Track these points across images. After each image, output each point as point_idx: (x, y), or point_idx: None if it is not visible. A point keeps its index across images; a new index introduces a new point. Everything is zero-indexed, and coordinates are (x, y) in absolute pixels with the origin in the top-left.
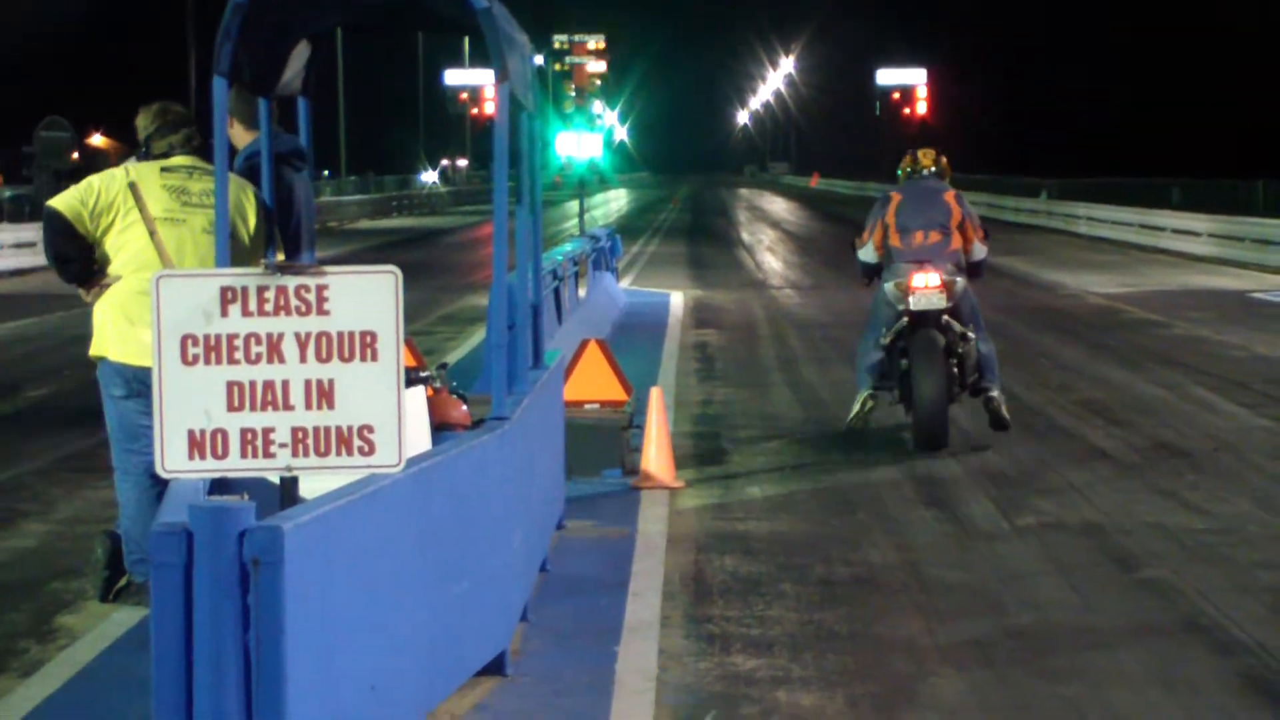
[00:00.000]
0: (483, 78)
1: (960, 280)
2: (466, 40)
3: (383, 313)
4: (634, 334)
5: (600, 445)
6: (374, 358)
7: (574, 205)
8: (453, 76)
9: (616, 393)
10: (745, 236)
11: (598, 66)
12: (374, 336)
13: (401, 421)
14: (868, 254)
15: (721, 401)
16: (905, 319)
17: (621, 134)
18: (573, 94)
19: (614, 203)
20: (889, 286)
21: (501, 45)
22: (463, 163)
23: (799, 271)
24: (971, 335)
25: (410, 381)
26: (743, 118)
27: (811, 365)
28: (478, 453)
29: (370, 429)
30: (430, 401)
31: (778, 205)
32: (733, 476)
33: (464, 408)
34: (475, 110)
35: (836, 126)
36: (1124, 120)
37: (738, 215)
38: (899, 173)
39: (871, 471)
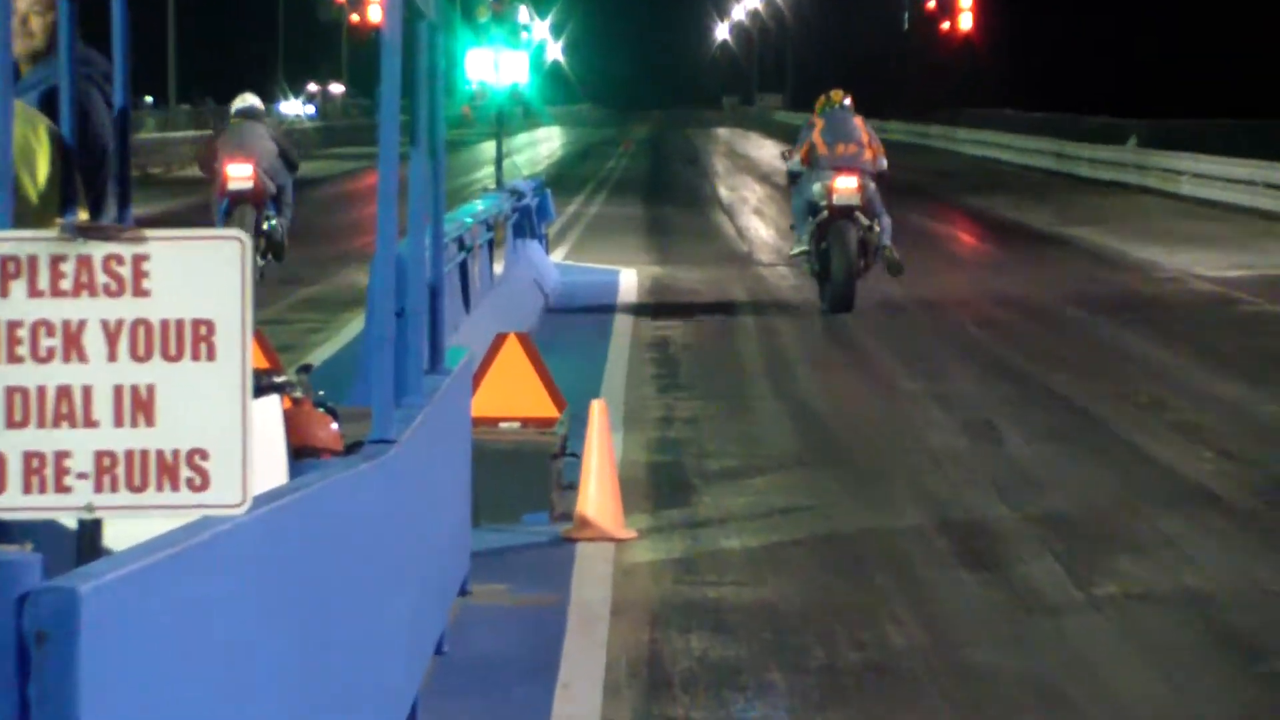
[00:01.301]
0: None
1: (871, 185)
2: None
3: (223, 295)
4: (569, 326)
5: (521, 480)
6: (210, 356)
7: (489, 148)
8: None
9: (544, 407)
10: (723, 193)
11: None
12: (210, 327)
13: (247, 444)
14: (795, 165)
15: (687, 420)
16: (826, 211)
17: (556, 52)
18: None
19: (544, 145)
20: (816, 187)
21: None
22: (337, 89)
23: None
24: (876, 228)
25: (260, 389)
26: (722, 32)
27: (809, 370)
28: (351, 488)
29: (203, 454)
30: (288, 417)
31: (767, 151)
32: (701, 524)
33: (334, 426)
34: (355, 18)
35: (849, 47)
36: (1238, 45)
37: (714, 164)
38: (815, 107)
39: (890, 515)
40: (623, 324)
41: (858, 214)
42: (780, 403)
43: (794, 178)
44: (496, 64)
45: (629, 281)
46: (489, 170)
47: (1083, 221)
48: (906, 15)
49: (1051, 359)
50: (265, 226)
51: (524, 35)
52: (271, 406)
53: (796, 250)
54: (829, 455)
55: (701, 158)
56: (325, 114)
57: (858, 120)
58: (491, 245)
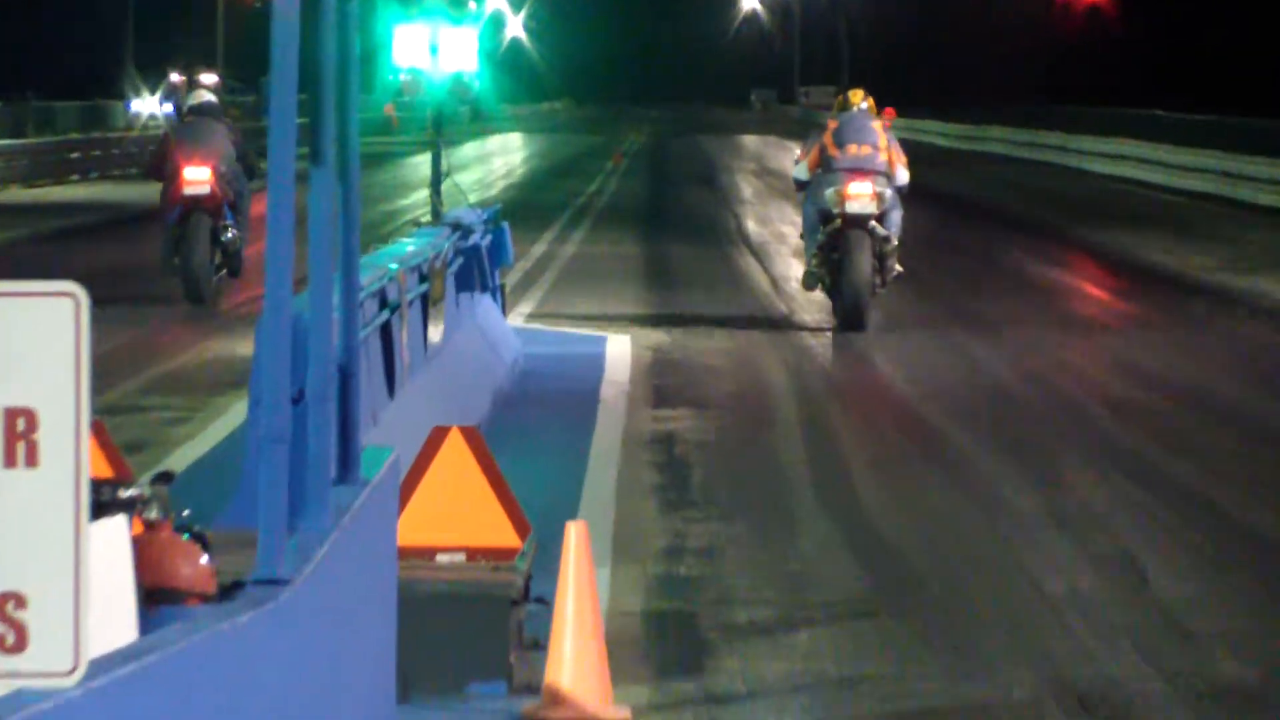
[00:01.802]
0: None
1: (889, 192)
2: None
3: (49, 375)
4: (536, 416)
5: (468, 635)
6: (30, 461)
7: (423, 164)
8: None
9: (500, 533)
10: (751, 227)
11: None
12: (31, 420)
13: (82, 587)
14: (801, 171)
15: (702, 549)
16: (839, 220)
17: (517, 28)
18: None
19: (500, 159)
20: (828, 192)
21: None
22: (209, 80)
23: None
24: (893, 241)
25: (101, 507)
26: (750, 1)
27: (873, 476)
28: (227, 647)
29: (19, 601)
30: (139, 547)
31: None
32: (722, 699)
33: (203, 559)
34: None
35: (926, 27)
36: None
37: (738, 185)
38: (836, 116)
39: (991, 686)
40: (611, 413)
41: (873, 224)
42: (834, 524)
43: (802, 185)
44: (434, 45)
45: (620, 353)
46: (422, 195)
47: (1262, 268)
48: None
49: (1216, 464)
50: (223, 238)
51: (471, 6)
52: (117, 531)
53: (808, 268)
54: (903, 600)
55: (721, 176)
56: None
57: (876, 124)
58: (426, 302)
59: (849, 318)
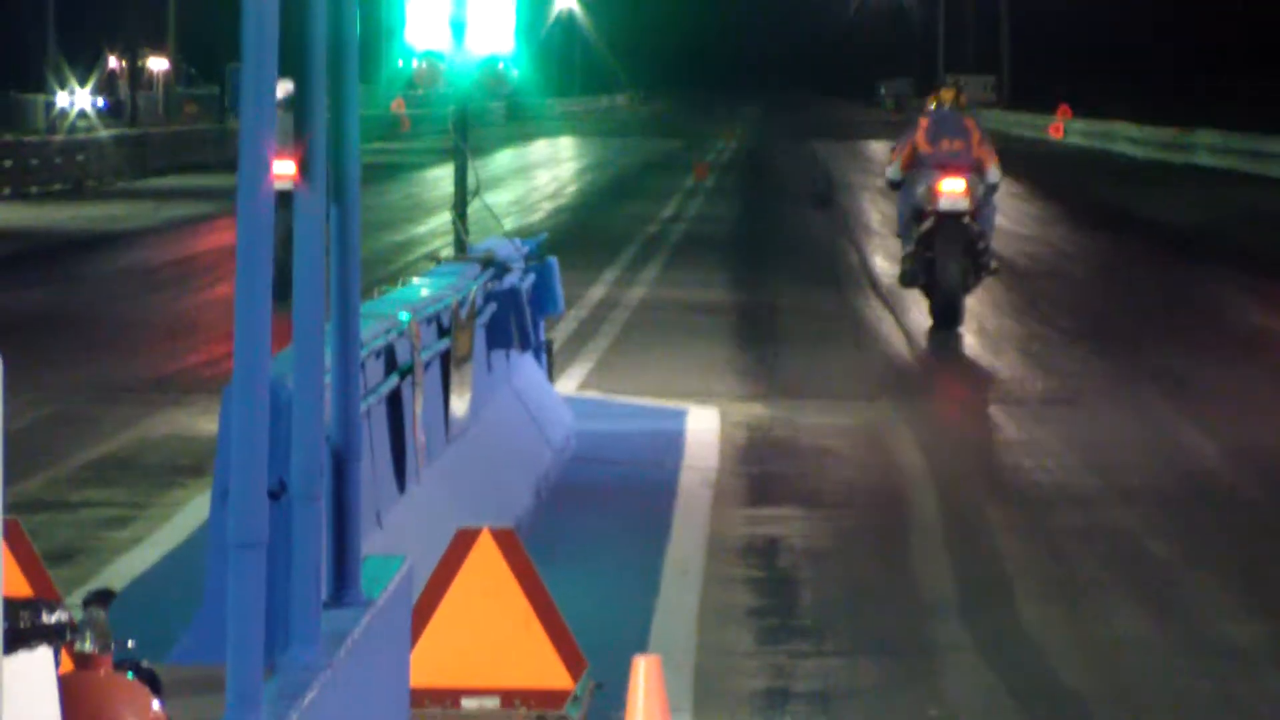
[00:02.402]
0: None
1: (982, 187)
2: None
3: None
4: (593, 514)
5: None
6: None
7: (443, 177)
8: None
9: (545, 669)
10: (880, 263)
11: None
12: None
13: None
14: (894, 171)
15: (813, 696)
16: (933, 217)
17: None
18: None
19: (545, 172)
20: (921, 189)
21: None
22: (158, 65)
23: (1024, 357)
24: (988, 238)
25: (18, 635)
26: None
27: (1044, 603)
28: None
29: None
30: (69, 687)
31: None
32: None
33: (154, 705)
34: None
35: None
36: None
37: (863, 208)
38: (927, 114)
39: None
40: (692, 511)
41: (966, 220)
42: (989, 663)
43: (896, 185)
44: (458, 21)
45: (704, 431)
46: (442, 221)
47: None
48: None
49: None
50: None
51: None
52: (39, 668)
53: (903, 267)
54: None
55: (840, 196)
56: (135, 113)
57: (969, 121)
58: (448, 363)
59: (944, 315)
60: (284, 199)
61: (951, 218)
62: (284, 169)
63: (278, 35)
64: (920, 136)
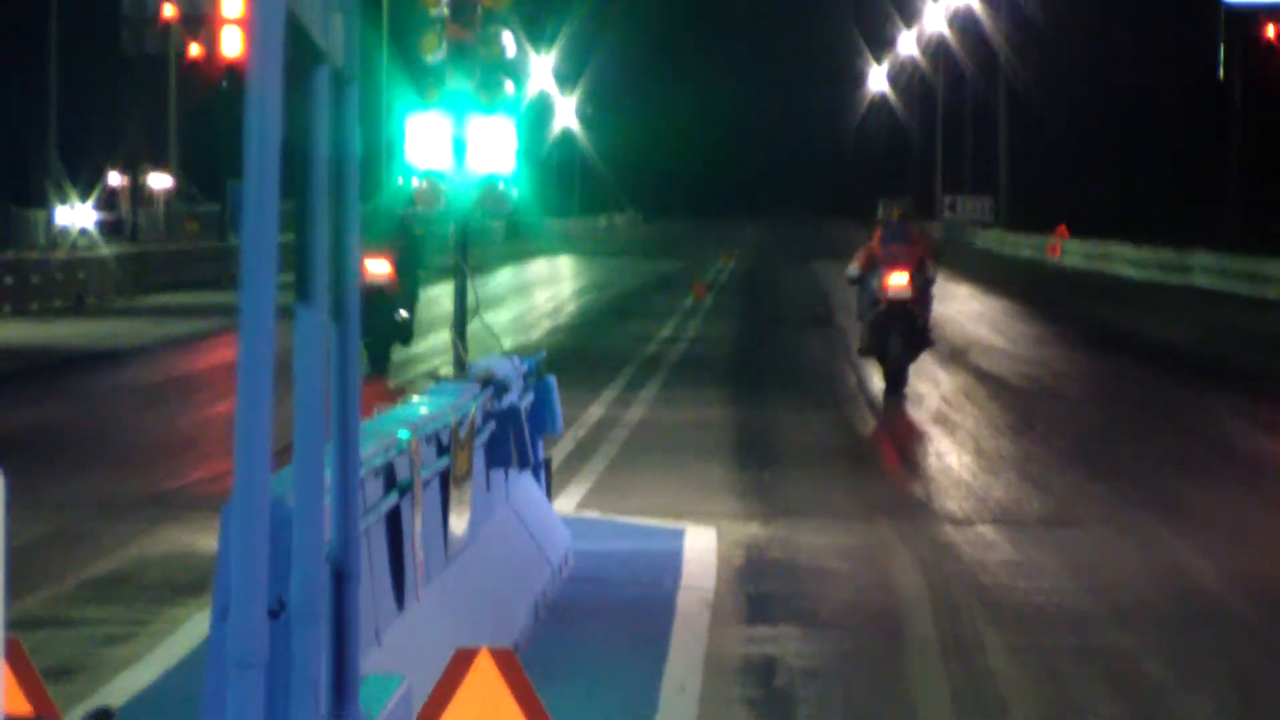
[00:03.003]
0: None
1: (921, 279)
2: None
3: None
4: (591, 633)
5: None
6: None
7: (442, 296)
8: None
9: None
10: (878, 384)
11: None
12: None
13: None
14: (853, 270)
15: None
16: (884, 304)
17: (567, 116)
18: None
19: (544, 291)
20: (874, 284)
21: None
22: (159, 182)
23: (1021, 478)
24: (927, 320)
25: None
26: (877, 81)
27: None
28: None
29: None
30: None
31: (970, 308)
32: None
33: None
34: (194, 48)
35: (1112, 118)
36: None
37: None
38: (877, 219)
39: None
40: (690, 630)
41: (909, 305)
42: None
43: (853, 281)
44: (459, 141)
45: (702, 550)
46: (442, 339)
47: None
48: (1222, 50)
49: None
50: (397, 318)
51: (507, 88)
52: None
53: (861, 343)
54: None
55: (839, 316)
56: (136, 230)
57: (913, 230)
58: (447, 481)
59: (892, 380)
60: (377, 294)
61: (897, 304)
62: (378, 268)
63: (280, 153)
64: (875, 243)
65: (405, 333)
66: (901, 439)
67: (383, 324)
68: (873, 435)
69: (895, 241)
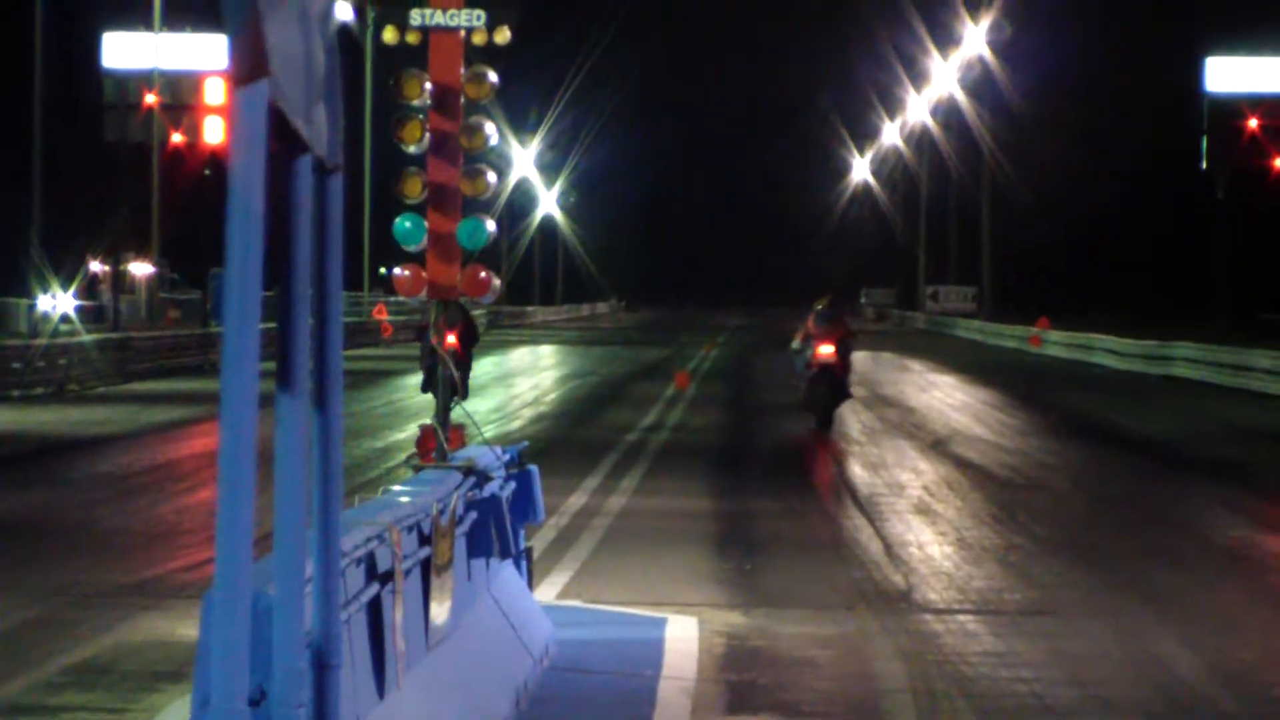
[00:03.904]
0: (198, 54)
1: (844, 349)
2: None
3: None
4: None
5: None
6: None
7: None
8: (120, 48)
9: None
10: (859, 473)
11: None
12: None
13: None
14: (796, 344)
15: None
16: (816, 367)
17: (548, 203)
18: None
19: (525, 379)
20: (808, 352)
21: None
22: (141, 269)
23: (1003, 568)
24: (847, 378)
25: None
26: (860, 171)
27: None
28: None
29: None
30: None
31: (953, 398)
32: None
33: None
34: (178, 135)
35: (1096, 208)
36: None
37: (842, 417)
38: (813, 312)
39: None
40: None
41: (833, 369)
42: None
43: (796, 352)
44: (442, 230)
45: (684, 639)
46: (417, 429)
47: None
48: (1205, 138)
49: None
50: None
51: (488, 183)
52: None
53: (797, 397)
54: None
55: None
56: (117, 317)
57: (841, 314)
58: (428, 570)
59: (821, 423)
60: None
61: (826, 367)
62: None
63: (263, 240)
64: (810, 323)
65: (463, 388)
66: (882, 528)
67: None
68: (853, 524)
69: (824, 323)
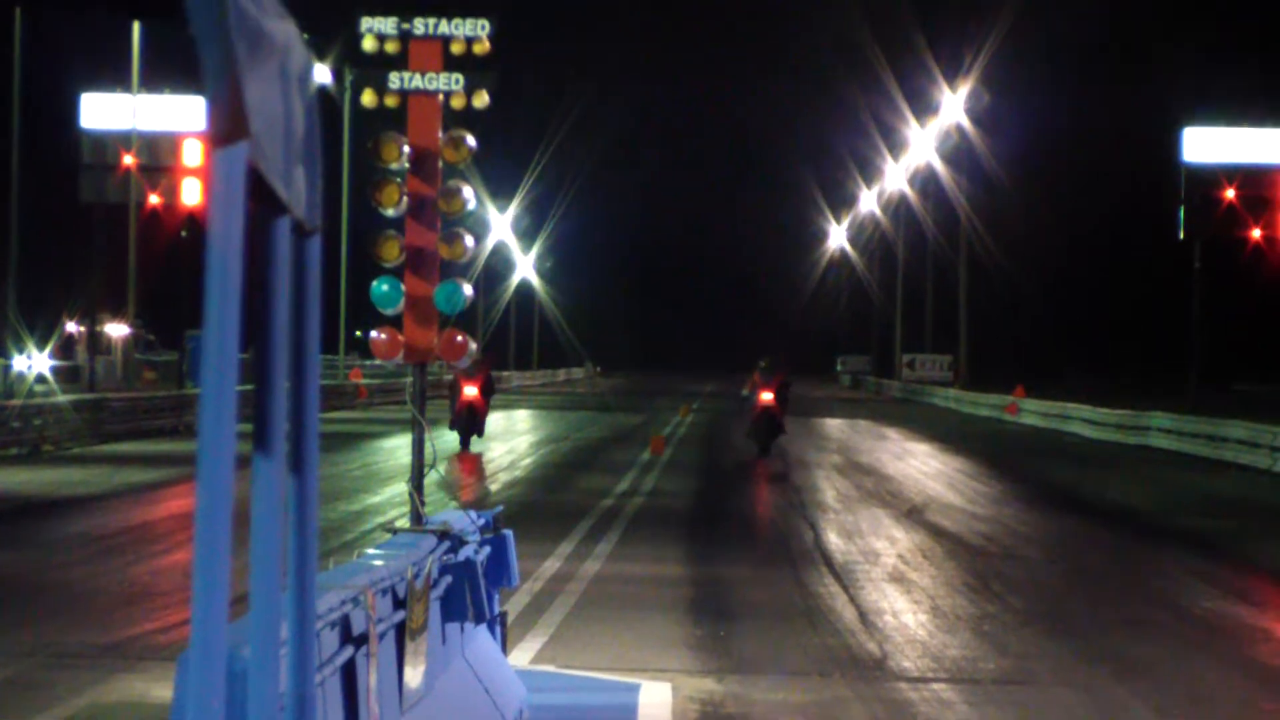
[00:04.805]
0: (176, 115)
1: (781, 396)
2: (136, 27)
3: None
4: None
5: None
6: None
7: (399, 448)
8: (98, 109)
9: None
10: (834, 540)
11: (480, 98)
12: None
13: None
14: (746, 390)
15: None
16: (759, 409)
17: (524, 268)
18: (398, 163)
19: (500, 445)
20: (754, 399)
21: (229, 36)
22: (116, 331)
23: (977, 637)
24: (782, 418)
25: None
26: (836, 237)
27: None
28: None
29: None
30: None
31: (928, 466)
32: None
33: None
34: (155, 196)
35: (1072, 278)
36: None
37: (818, 485)
38: (758, 369)
39: None
40: None
41: (773, 411)
42: None
43: (743, 399)
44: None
45: (657, 705)
46: (399, 491)
47: None
48: (1182, 209)
49: None
50: (476, 419)
51: (464, 246)
52: None
53: (746, 433)
54: None
55: (795, 473)
56: (93, 378)
57: (778, 372)
58: (403, 634)
59: (761, 451)
60: (468, 405)
61: (766, 409)
62: (470, 390)
63: (239, 303)
64: (755, 378)
65: (481, 429)
66: (855, 599)
67: (469, 423)
68: (828, 592)
69: (766, 376)
